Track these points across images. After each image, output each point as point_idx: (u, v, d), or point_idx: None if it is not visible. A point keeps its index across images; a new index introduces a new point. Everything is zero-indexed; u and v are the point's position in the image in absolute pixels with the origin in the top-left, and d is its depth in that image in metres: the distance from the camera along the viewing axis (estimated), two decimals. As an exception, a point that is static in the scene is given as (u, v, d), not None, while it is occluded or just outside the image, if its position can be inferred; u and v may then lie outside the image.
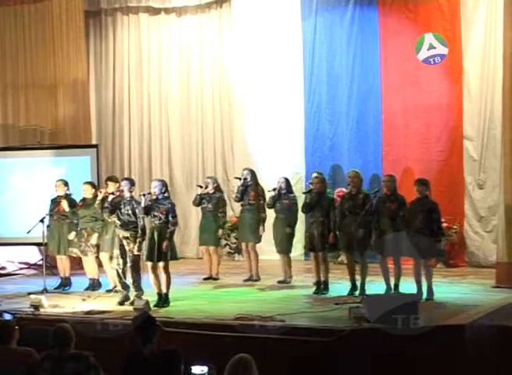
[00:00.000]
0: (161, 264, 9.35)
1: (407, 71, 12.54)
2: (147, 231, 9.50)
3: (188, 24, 14.30)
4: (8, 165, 13.48)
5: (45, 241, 10.88)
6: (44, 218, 10.74)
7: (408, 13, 12.50)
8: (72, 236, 10.71)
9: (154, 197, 9.40)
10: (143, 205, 9.35)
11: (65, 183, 11.05)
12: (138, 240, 9.44)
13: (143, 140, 14.58)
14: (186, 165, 14.36)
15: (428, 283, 9.33)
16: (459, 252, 12.12)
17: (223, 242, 12.76)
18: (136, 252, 9.45)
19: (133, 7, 14.45)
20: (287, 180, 10.88)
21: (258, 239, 11.05)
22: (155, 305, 9.19)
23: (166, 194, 9.51)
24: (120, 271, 9.73)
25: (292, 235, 10.79)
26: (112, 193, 9.84)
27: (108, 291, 10.37)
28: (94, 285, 10.67)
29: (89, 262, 10.73)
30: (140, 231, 9.47)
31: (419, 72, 12.44)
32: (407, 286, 9.45)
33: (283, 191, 10.74)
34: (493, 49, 11.78)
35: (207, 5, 14.10)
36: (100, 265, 10.74)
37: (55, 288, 10.73)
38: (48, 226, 10.94)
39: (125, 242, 9.52)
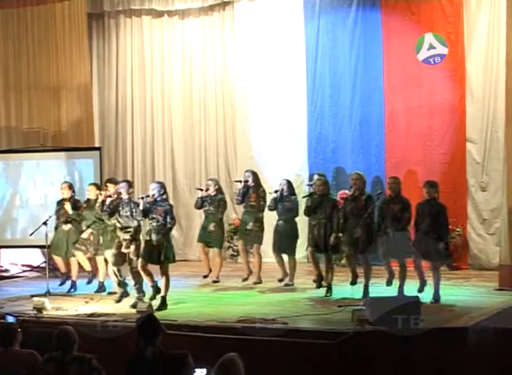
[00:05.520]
0: (159, 266, 9.36)
1: (409, 73, 12.51)
2: (144, 233, 9.53)
3: (191, 27, 14.28)
4: (11, 167, 13.48)
5: (48, 243, 10.89)
6: (47, 220, 10.75)
7: (411, 15, 12.47)
8: (85, 235, 10.70)
9: (153, 199, 9.41)
10: (141, 207, 9.36)
11: (70, 186, 11.09)
12: (134, 242, 9.48)
13: (146, 142, 14.57)
14: (189, 167, 14.34)
15: (435, 287, 9.31)
16: (462, 255, 12.07)
17: (226, 245, 12.76)
18: (133, 255, 9.47)
19: (136, 10, 14.43)
20: (289, 183, 10.88)
21: (260, 241, 11.04)
22: (151, 298, 9.23)
23: (165, 196, 9.51)
24: (116, 270, 9.76)
25: (296, 237, 10.80)
26: (110, 196, 9.84)
27: (111, 293, 10.36)
28: (101, 286, 10.67)
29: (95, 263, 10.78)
30: (135, 233, 9.52)
31: (422, 74, 12.41)
32: (412, 288, 9.44)
33: (285, 194, 10.74)
34: (496, 51, 11.76)
35: (210, 7, 14.08)
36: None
37: (60, 285, 10.83)
38: (55, 229, 10.97)
39: (125, 244, 9.54)
